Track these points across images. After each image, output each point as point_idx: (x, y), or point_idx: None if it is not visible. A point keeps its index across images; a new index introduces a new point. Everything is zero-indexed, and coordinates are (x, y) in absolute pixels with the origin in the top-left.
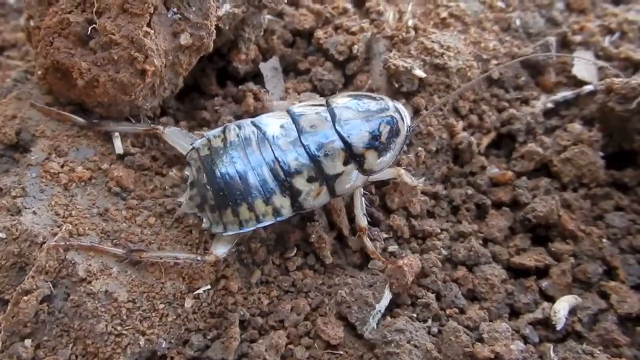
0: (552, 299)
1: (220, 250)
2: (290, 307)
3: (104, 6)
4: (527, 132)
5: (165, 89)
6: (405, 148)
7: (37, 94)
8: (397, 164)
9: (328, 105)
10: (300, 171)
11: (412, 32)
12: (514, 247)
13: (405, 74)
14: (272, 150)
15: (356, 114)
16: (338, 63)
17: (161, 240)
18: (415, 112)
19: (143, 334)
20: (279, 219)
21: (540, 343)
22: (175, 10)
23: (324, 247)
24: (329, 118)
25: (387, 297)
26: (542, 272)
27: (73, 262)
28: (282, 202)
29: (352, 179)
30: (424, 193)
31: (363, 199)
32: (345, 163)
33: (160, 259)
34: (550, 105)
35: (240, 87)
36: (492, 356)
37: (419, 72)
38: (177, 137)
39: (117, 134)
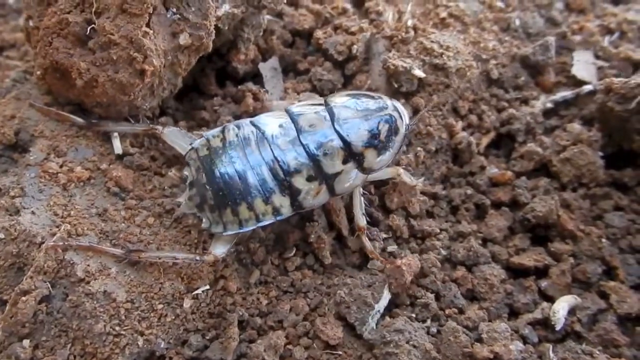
0: (551, 299)
1: (219, 250)
2: (289, 307)
3: (103, 6)
4: (527, 132)
5: (164, 89)
6: (404, 148)
7: (36, 94)
8: (397, 163)
9: (327, 104)
10: (300, 170)
11: (412, 32)
12: (513, 247)
13: (404, 74)
14: (271, 149)
15: (355, 113)
16: (337, 63)
17: (160, 241)
18: (415, 112)
19: (141, 334)
20: (278, 218)
21: (539, 343)
22: (174, 10)
23: (323, 247)
24: (327, 117)
25: (386, 297)
26: (541, 272)
27: (71, 262)
28: (282, 202)
29: (352, 178)
30: (423, 193)
31: (362, 198)
32: (345, 162)
33: (159, 259)
34: (549, 105)
35: (239, 87)
36: (491, 356)
37: (418, 72)
38: (176, 137)
39: (116, 134)
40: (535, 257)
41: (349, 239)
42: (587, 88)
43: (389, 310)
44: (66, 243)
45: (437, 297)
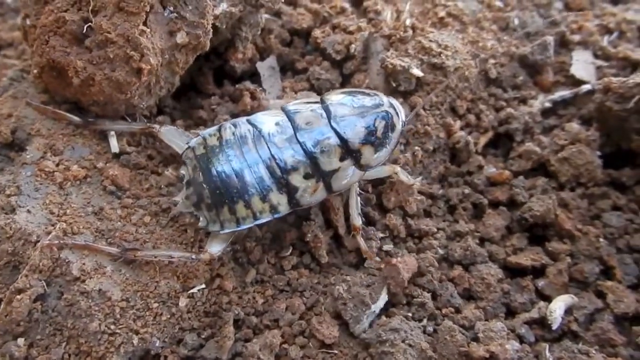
0: (548, 299)
1: (215, 248)
2: (285, 306)
3: (100, 4)
4: (525, 131)
5: (161, 87)
6: (402, 147)
7: (33, 93)
8: (394, 162)
9: (323, 102)
10: (297, 168)
11: (410, 32)
12: (510, 247)
13: (402, 73)
14: (268, 147)
15: (351, 110)
16: (335, 62)
17: (156, 239)
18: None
19: (137, 333)
20: (276, 216)
21: (536, 343)
22: (171, 8)
23: (319, 246)
24: (324, 115)
25: (383, 298)
26: (538, 272)
27: (67, 260)
28: (279, 199)
29: (349, 175)
30: (420, 192)
31: (359, 198)
32: (342, 159)
33: (155, 257)
34: (548, 104)
35: (237, 86)
36: (488, 356)
37: (417, 71)
38: (173, 136)
39: (112, 132)
40: (532, 257)
41: (345, 238)
42: (586, 87)
43: (386, 309)
44: (62, 242)
45: (434, 297)
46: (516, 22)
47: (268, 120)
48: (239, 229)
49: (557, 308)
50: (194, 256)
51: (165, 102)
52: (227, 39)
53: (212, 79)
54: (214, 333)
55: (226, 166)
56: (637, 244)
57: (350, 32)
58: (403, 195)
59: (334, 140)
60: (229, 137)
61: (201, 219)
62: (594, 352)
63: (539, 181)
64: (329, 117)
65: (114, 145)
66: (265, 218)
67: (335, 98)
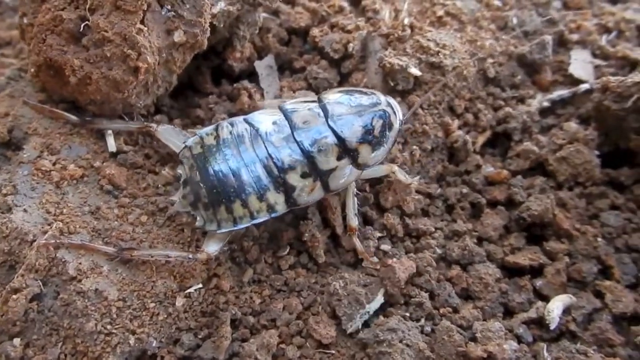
0: (546, 298)
1: (212, 248)
2: (282, 306)
3: (97, 3)
4: (523, 130)
5: (159, 86)
6: (400, 146)
7: (30, 92)
8: (392, 161)
9: (320, 101)
10: (294, 167)
11: (408, 31)
12: (508, 246)
13: (400, 72)
14: (265, 146)
15: (349, 109)
16: (333, 61)
17: (153, 239)
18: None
19: (133, 332)
20: (273, 215)
21: (533, 342)
22: (169, 7)
23: (317, 246)
24: (321, 114)
25: (379, 299)
26: (536, 271)
27: (63, 260)
28: (276, 199)
29: (346, 174)
30: (418, 192)
31: (356, 198)
32: (339, 158)
33: (152, 257)
34: (546, 103)
35: (235, 85)
36: (485, 356)
37: (415, 71)
38: (171, 135)
39: (110, 131)
40: (530, 256)
41: (343, 238)
42: (584, 87)
43: (383, 309)
44: (58, 241)
45: (432, 296)
46: (514, 21)
47: (265, 120)
48: (236, 228)
49: (555, 308)
50: (190, 256)
51: (163, 101)
52: (224, 37)
53: (209, 77)
54: (211, 333)
55: (223, 165)
56: (635, 243)
57: (348, 31)
58: (401, 195)
59: (331, 139)
60: (226, 136)
61: (198, 218)
62: (592, 352)
63: (537, 180)
64: (326, 116)
65: (111, 144)
66: (262, 217)
67: (332, 97)
